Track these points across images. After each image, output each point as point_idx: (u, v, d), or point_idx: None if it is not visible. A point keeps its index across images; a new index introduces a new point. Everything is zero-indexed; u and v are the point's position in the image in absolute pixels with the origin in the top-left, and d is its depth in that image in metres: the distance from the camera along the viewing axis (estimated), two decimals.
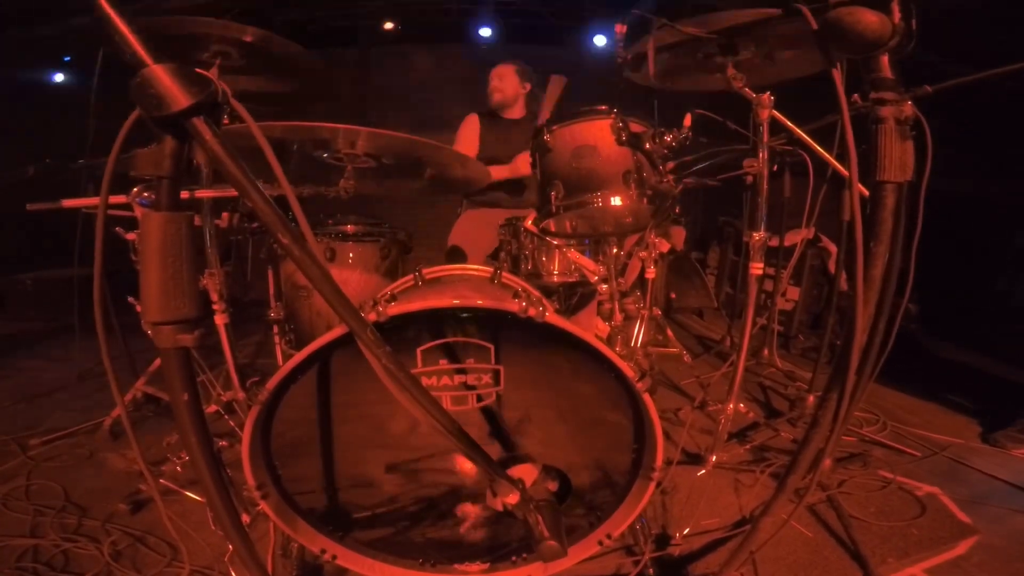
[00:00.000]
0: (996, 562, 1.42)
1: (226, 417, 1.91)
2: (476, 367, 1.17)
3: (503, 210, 2.55)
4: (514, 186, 2.62)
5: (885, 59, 0.83)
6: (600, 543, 1.28)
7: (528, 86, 2.77)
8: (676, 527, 1.54)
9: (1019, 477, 1.83)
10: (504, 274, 1.41)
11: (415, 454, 1.21)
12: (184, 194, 1.16)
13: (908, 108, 0.84)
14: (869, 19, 0.78)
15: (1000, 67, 1.15)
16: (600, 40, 5.18)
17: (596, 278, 1.76)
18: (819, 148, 1.80)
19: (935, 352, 3.23)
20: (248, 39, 1.65)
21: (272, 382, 1.09)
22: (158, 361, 2.02)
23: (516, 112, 2.79)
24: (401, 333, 1.13)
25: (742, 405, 1.84)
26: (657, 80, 1.76)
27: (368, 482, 1.23)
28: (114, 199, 1.43)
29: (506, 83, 2.72)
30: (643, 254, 1.94)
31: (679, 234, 3.09)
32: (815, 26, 0.85)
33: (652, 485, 1.22)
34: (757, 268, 1.71)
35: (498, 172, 2.46)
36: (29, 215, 1.59)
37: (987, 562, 1.42)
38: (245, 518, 1.43)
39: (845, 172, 1.51)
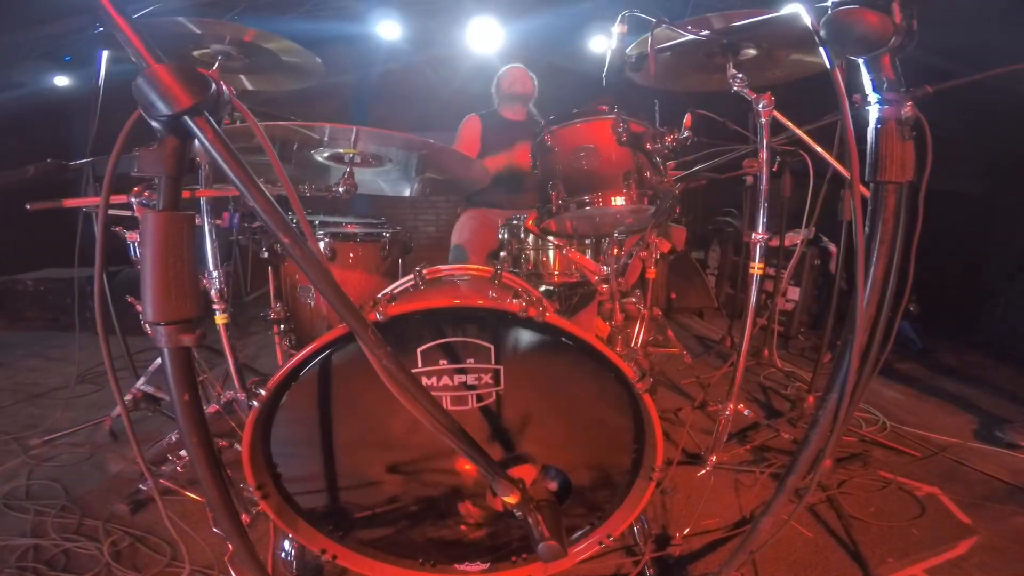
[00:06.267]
0: (996, 562, 1.43)
1: (226, 417, 1.92)
2: (476, 367, 1.17)
3: (503, 210, 2.55)
4: (514, 186, 2.62)
5: (886, 59, 0.83)
6: (600, 543, 1.28)
7: (535, 92, 2.85)
8: (676, 527, 1.54)
9: (1019, 477, 1.83)
10: (504, 274, 1.41)
11: (415, 454, 1.21)
12: (185, 193, 1.16)
13: (908, 108, 0.84)
14: (870, 19, 0.78)
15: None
16: (600, 40, 5.18)
17: (596, 278, 1.76)
18: (820, 148, 1.80)
19: (935, 352, 3.23)
20: (248, 39, 1.65)
21: (272, 382, 1.09)
22: (158, 361, 2.02)
23: (519, 114, 2.80)
24: (402, 333, 1.13)
25: (742, 405, 1.84)
26: (657, 80, 1.76)
27: (368, 482, 1.23)
28: (115, 199, 1.43)
29: (529, 82, 2.80)
30: (644, 254, 1.94)
31: (679, 234, 3.09)
32: (816, 27, 0.85)
33: (652, 485, 1.22)
34: (757, 268, 1.71)
35: (496, 161, 2.48)
36: (29, 215, 1.59)
37: (987, 562, 1.42)
38: (245, 518, 1.43)
39: (846, 172, 1.51)
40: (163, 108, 0.61)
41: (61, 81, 5.26)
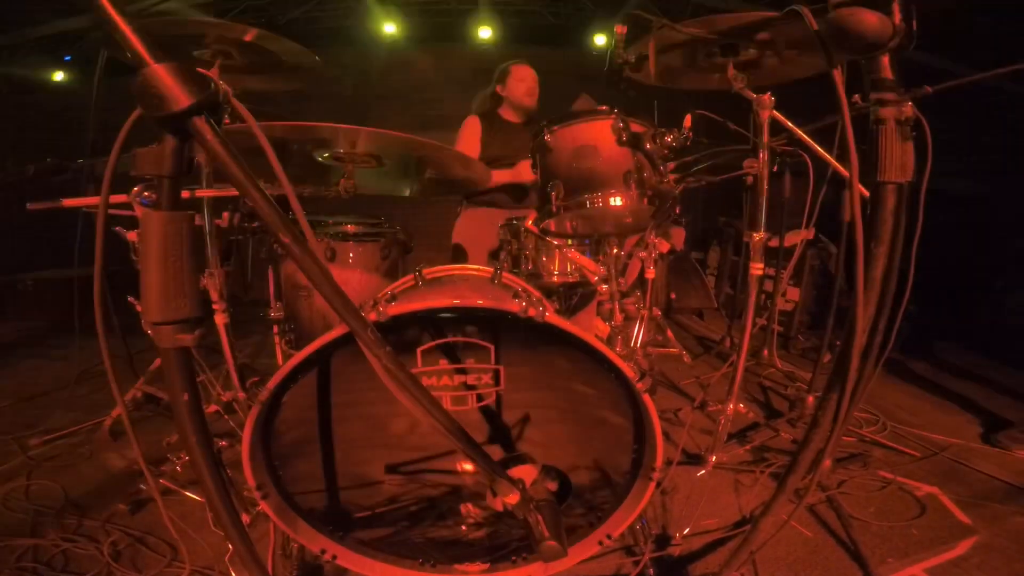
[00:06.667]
0: (996, 562, 1.42)
1: (226, 417, 1.91)
2: (476, 367, 1.17)
3: (503, 210, 2.55)
4: (514, 187, 2.62)
5: (886, 59, 0.83)
6: (600, 543, 1.28)
7: None
8: (676, 527, 1.54)
9: (1019, 477, 1.83)
10: (504, 274, 1.41)
11: (415, 454, 1.21)
12: (185, 193, 1.16)
13: (908, 109, 0.84)
14: (870, 20, 0.78)
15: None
16: (600, 40, 5.19)
17: (596, 278, 1.76)
18: (819, 148, 1.80)
19: (935, 352, 3.23)
20: (248, 39, 1.65)
21: (272, 382, 1.09)
22: (158, 361, 2.02)
23: (519, 117, 2.80)
24: (401, 333, 1.13)
25: (742, 405, 1.84)
26: (658, 80, 1.76)
27: (368, 482, 1.23)
28: (115, 198, 1.42)
29: (538, 92, 2.75)
30: (643, 254, 1.94)
31: (679, 234, 3.10)
32: (815, 27, 0.85)
33: (652, 485, 1.22)
34: (757, 268, 1.71)
35: (500, 175, 2.46)
36: (29, 215, 1.59)
37: (987, 562, 1.42)
38: (245, 518, 1.43)
39: (845, 172, 1.51)
40: (162, 108, 0.61)
41: (61, 80, 5.26)
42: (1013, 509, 1.66)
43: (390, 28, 5.13)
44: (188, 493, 1.64)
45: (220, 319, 1.69)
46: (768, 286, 3.38)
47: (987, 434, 2.16)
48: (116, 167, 0.72)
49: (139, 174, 0.66)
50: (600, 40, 5.19)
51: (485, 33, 5.17)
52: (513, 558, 1.29)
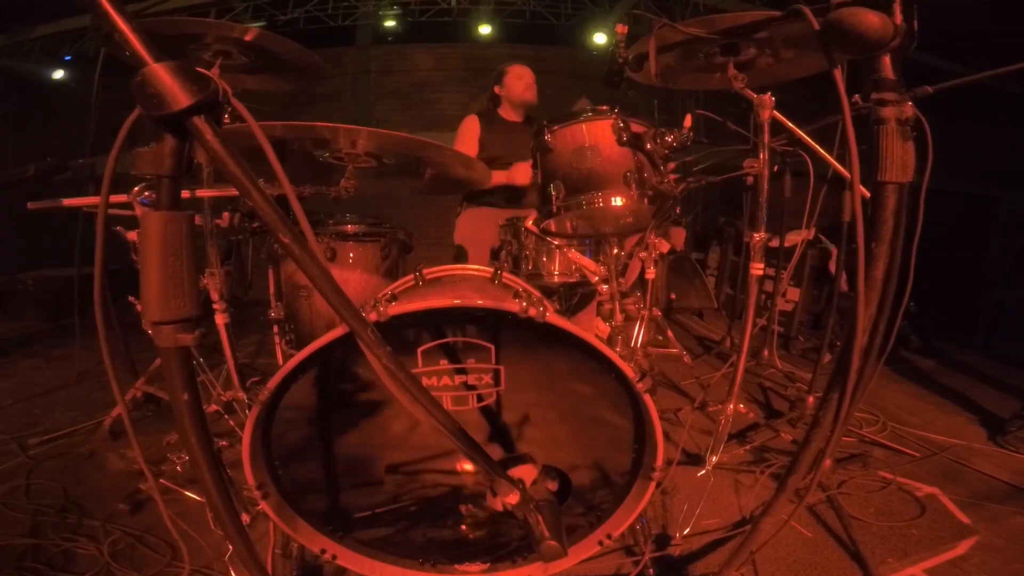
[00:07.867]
0: (996, 562, 1.42)
1: (226, 417, 1.91)
2: (477, 367, 1.17)
3: (503, 209, 2.55)
4: (511, 189, 2.62)
5: (887, 59, 0.83)
6: (600, 543, 1.28)
7: None
8: (676, 527, 1.54)
9: (1019, 477, 1.83)
10: (505, 274, 1.41)
11: (415, 454, 1.21)
12: (185, 193, 1.16)
13: (909, 109, 0.84)
14: (871, 20, 0.78)
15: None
16: (600, 39, 5.19)
17: (596, 278, 1.76)
18: (820, 149, 1.80)
19: (935, 352, 3.23)
20: (248, 39, 1.65)
21: (273, 382, 1.08)
22: (158, 361, 2.02)
23: (518, 117, 2.80)
24: (402, 333, 1.13)
25: (742, 406, 1.84)
26: (658, 80, 1.76)
27: (368, 482, 1.23)
28: (115, 198, 1.43)
29: (536, 88, 2.78)
30: (643, 254, 1.94)
31: (679, 234, 3.10)
32: (817, 27, 0.85)
33: (652, 485, 1.22)
34: (757, 269, 1.70)
35: (495, 177, 2.46)
36: (29, 215, 1.59)
37: (987, 562, 1.42)
38: (245, 518, 1.43)
39: (846, 173, 1.51)
40: (162, 107, 0.61)
41: (61, 79, 5.26)
42: (1013, 509, 1.66)
43: (390, 27, 5.14)
44: (188, 493, 1.64)
45: (220, 319, 1.69)
46: (768, 286, 3.38)
47: (988, 432, 2.16)
48: (116, 167, 0.71)
49: (139, 174, 0.66)
50: (600, 39, 5.19)
51: (485, 30, 5.18)
52: (513, 558, 1.29)
